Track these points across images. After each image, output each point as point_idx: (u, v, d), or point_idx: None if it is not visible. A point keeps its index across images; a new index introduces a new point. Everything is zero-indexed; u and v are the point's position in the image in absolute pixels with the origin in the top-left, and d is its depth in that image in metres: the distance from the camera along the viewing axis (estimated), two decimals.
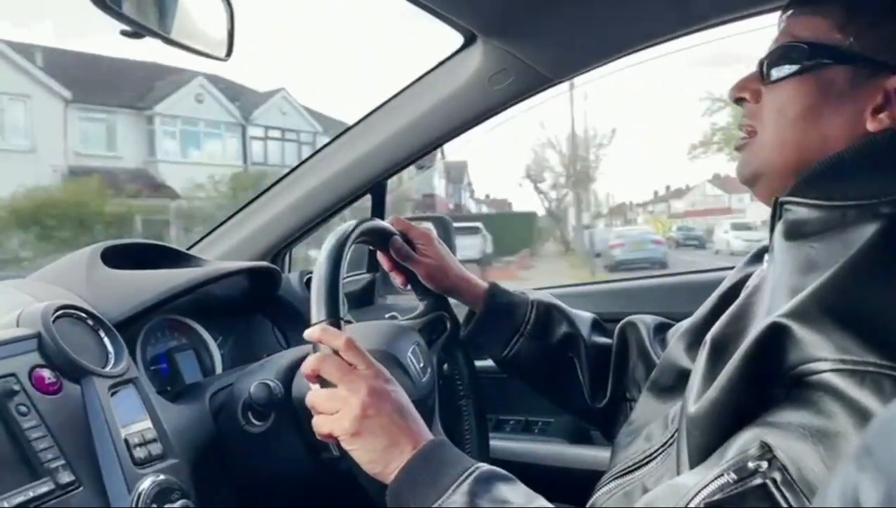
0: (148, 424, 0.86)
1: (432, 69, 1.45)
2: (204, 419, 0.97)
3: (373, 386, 0.78)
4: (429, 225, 1.64)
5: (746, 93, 0.82)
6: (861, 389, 0.55)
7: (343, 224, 0.95)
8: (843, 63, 0.73)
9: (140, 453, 0.82)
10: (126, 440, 0.82)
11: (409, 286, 1.17)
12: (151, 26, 0.80)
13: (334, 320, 0.83)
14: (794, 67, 0.76)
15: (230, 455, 0.96)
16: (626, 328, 1.15)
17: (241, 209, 1.63)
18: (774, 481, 0.57)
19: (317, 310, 0.83)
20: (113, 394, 0.85)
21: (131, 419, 0.85)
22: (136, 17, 0.76)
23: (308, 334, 0.82)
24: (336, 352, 0.80)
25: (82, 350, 0.86)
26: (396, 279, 1.18)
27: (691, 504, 0.60)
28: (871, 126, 0.72)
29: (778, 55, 0.78)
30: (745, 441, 0.60)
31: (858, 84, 0.73)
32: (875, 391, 0.55)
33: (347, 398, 0.77)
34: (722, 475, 0.59)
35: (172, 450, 0.87)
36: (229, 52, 0.95)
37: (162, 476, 0.82)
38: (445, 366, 1.18)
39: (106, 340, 0.90)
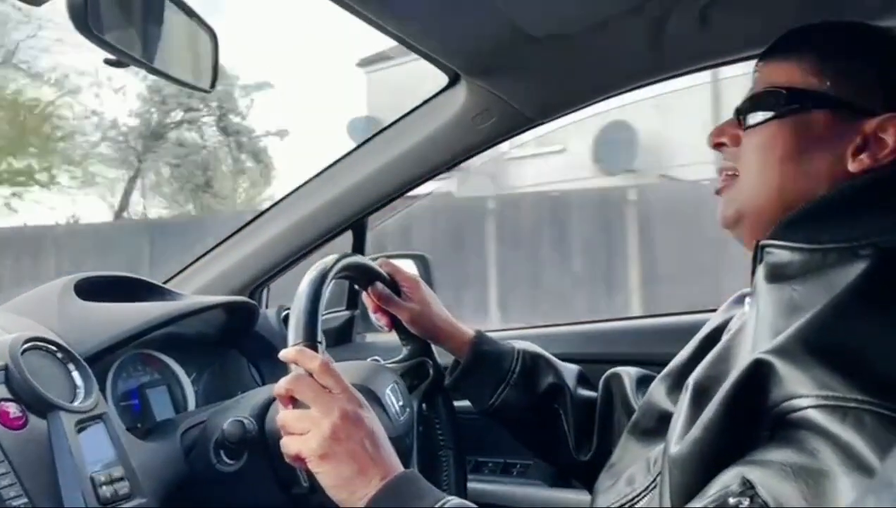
0: (116, 462, 0.84)
1: (416, 108, 1.46)
2: (175, 458, 0.94)
3: (346, 410, 0.77)
4: (409, 263, 1.64)
5: (725, 137, 0.83)
6: (843, 425, 0.55)
7: (328, 256, 0.94)
8: (821, 107, 0.75)
9: (106, 492, 0.79)
10: (92, 479, 0.79)
11: (391, 330, 1.16)
12: (135, 55, 0.80)
13: (311, 342, 0.82)
14: (772, 112, 0.77)
15: (201, 494, 0.93)
16: (610, 380, 1.14)
17: (220, 243, 1.61)
18: None
19: (294, 332, 0.82)
20: (80, 430, 0.82)
21: (98, 456, 0.82)
22: (119, 45, 0.76)
23: (283, 354, 0.81)
24: (311, 375, 0.79)
25: (50, 384, 0.83)
26: (380, 321, 1.16)
27: None
28: (852, 167, 0.73)
29: (756, 101, 0.79)
30: (728, 478, 0.60)
31: (837, 127, 0.74)
32: (857, 427, 0.54)
33: (319, 420, 0.76)
34: None
35: (141, 489, 0.84)
36: (213, 84, 0.95)
37: None
38: (426, 413, 1.15)
39: (75, 374, 0.88)
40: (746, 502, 0.57)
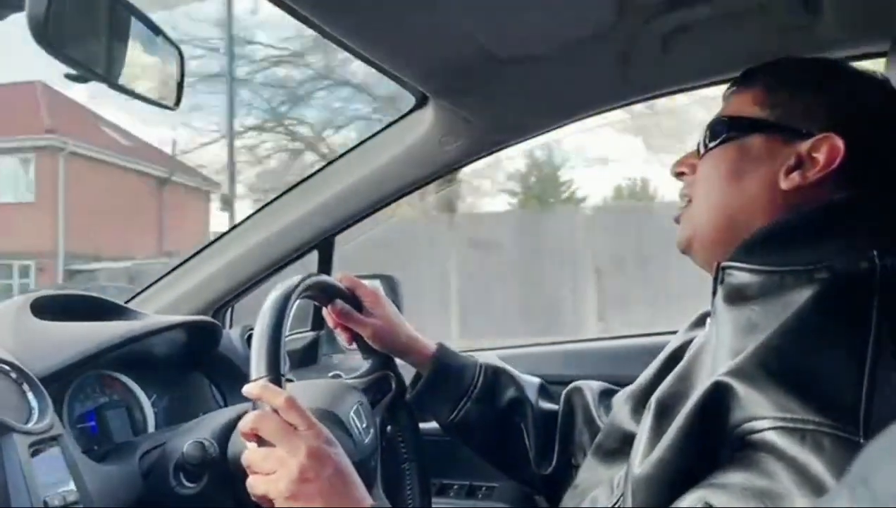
0: (71, 486, 0.81)
1: (384, 128, 1.46)
2: (132, 481, 0.92)
3: (313, 448, 0.75)
4: (376, 283, 1.63)
5: (685, 167, 0.90)
6: (802, 447, 0.56)
7: (288, 279, 0.93)
8: (759, 132, 0.80)
9: None
10: (45, 502, 0.76)
11: (353, 345, 1.15)
12: (99, 71, 0.79)
13: (275, 377, 0.80)
14: (719, 139, 0.83)
15: None
16: (572, 394, 1.15)
17: (183, 263, 1.58)
18: None
19: (257, 366, 0.81)
20: (34, 453, 0.79)
21: (53, 479, 0.79)
22: (83, 60, 0.75)
23: (247, 390, 0.80)
24: (276, 411, 0.77)
25: (3, 405, 0.81)
26: (341, 336, 1.15)
27: None
28: (783, 185, 0.77)
29: (709, 130, 0.85)
30: (690, 501, 0.61)
31: (774, 149, 0.79)
32: (815, 450, 0.56)
33: (285, 460, 0.74)
34: None
35: None
36: (178, 101, 0.94)
37: None
38: (389, 428, 1.15)
39: (30, 394, 0.85)
40: None
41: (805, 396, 0.58)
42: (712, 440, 0.62)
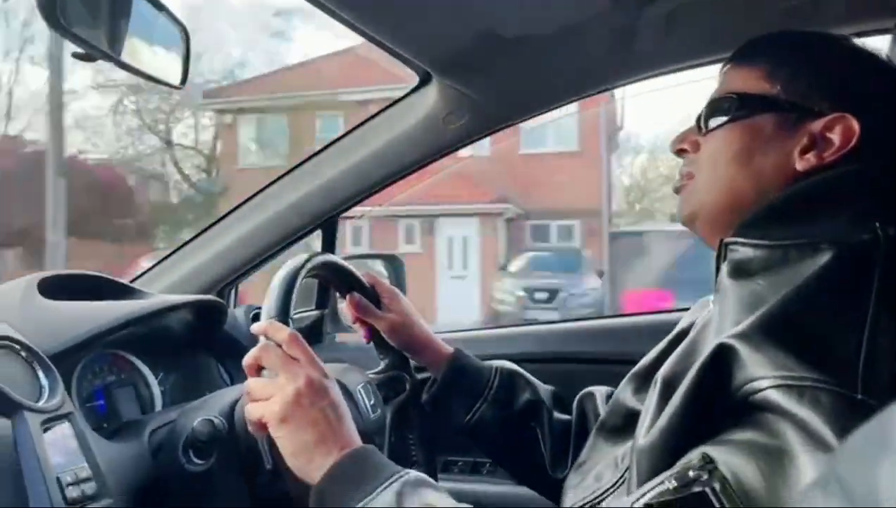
0: (82, 462, 0.82)
1: (387, 107, 1.46)
2: (142, 458, 0.93)
3: (311, 378, 0.78)
4: (378, 263, 1.64)
5: (686, 144, 0.87)
6: (800, 404, 0.57)
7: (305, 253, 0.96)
8: (770, 110, 0.78)
9: (73, 492, 0.78)
10: (58, 479, 0.77)
11: (370, 341, 1.15)
12: (102, 48, 0.78)
13: (282, 318, 0.84)
14: (726, 117, 0.81)
15: (169, 494, 0.92)
16: (583, 399, 1.14)
17: (188, 242, 1.59)
18: (714, 490, 0.58)
19: (266, 310, 0.85)
20: (46, 430, 0.80)
21: (65, 456, 0.80)
22: (87, 37, 0.74)
23: (255, 327, 0.83)
24: (280, 347, 0.80)
25: (14, 383, 0.81)
26: (359, 332, 1.15)
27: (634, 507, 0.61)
28: (799, 166, 0.76)
29: (712, 107, 0.83)
30: (690, 455, 0.62)
31: (785, 128, 0.77)
32: (813, 405, 0.57)
33: (283, 385, 0.77)
34: (663, 482, 0.61)
35: (108, 490, 0.82)
36: (184, 79, 0.94)
37: None
38: (398, 427, 1.14)
39: (40, 373, 0.86)
40: (706, 476, 0.59)
41: (805, 355, 0.59)
42: (715, 403, 0.63)
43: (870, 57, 0.81)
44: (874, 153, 0.75)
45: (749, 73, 0.80)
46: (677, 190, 0.87)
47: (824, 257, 0.68)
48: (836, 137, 0.75)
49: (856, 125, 0.74)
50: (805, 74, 0.78)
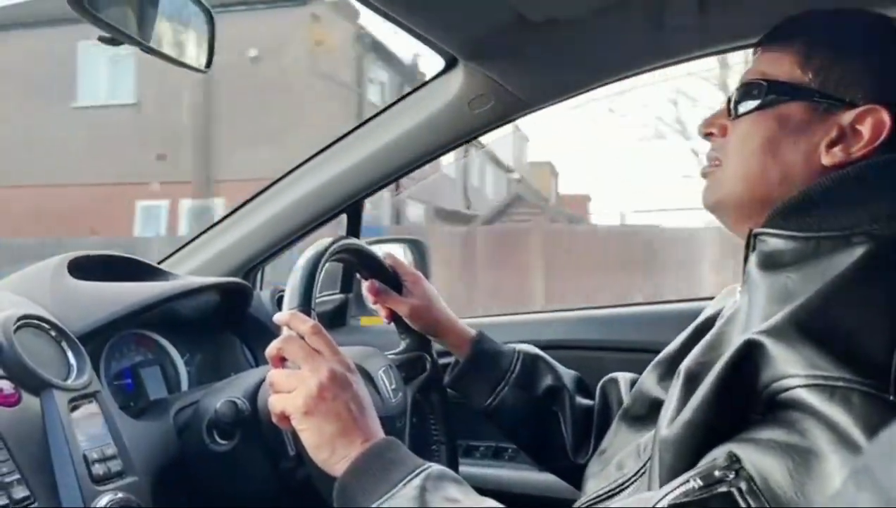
0: (108, 440, 0.84)
1: (413, 91, 1.45)
2: (167, 437, 0.95)
3: (334, 370, 0.78)
4: (399, 249, 1.64)
5: (714, 128, 0.85)
6: (830, 403, 0.56)
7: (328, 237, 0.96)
8: (800, 99, 0.76)
9: (99, 469, 0.80)
10: (85, 456, 0.79)
11: (391, 322, 1.16)
12: (131, 33, 0.79)
13: (304, 308, 0.84)
14: (755, 103, 0.78)
15: (193, 474, 0.94)
16: (606, 386, 1.14)
17: (214, 225, 1.60)
18: (740, 490, 0.57)
19: (289, 298, 0.85)
20: (73, 408, 0.82)
21: (91, 434, 0.82)
22: (115, 23, 0.75)
23: (277, 317, 0.83)
24: (303, 338, 0.80)
25: (43, 362, 0.83)
26: (381, 312, 1.16)
27: (657, 506, 0.60)
28: (825, 160, 0.74)
29: (742, 92, 0.80)
30: (715, 453, 0.61)
31: (814, 119, 0.75)
32: (844, 405, 0.56)
33: (306, 378, 0.77)
34: (688, 480, 0.60)
35: (133, 468, 0.84)
36: (209, 63, 0.95)
37: (120, 494, 0.80)
38: (420, 405, 1.15)
39: (69, 352, 0.88)
40: (732, 475, 0.58)
41: (836, 354, 0.58)
42: (742, 400, 0.62)
43: None
44: None
45: (782, 57, 0.78)
46: (704, 175, 0.85)
47: (857, 251, 0.67)
48: (865, 130, 0.72)
49: (887, 118, 0.72)
50: (838, 62, 0.75)
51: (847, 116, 0.73)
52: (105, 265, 1.18)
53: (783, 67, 0.77)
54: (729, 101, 0.83)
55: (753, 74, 0.80)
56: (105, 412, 0.86)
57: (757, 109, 0.78)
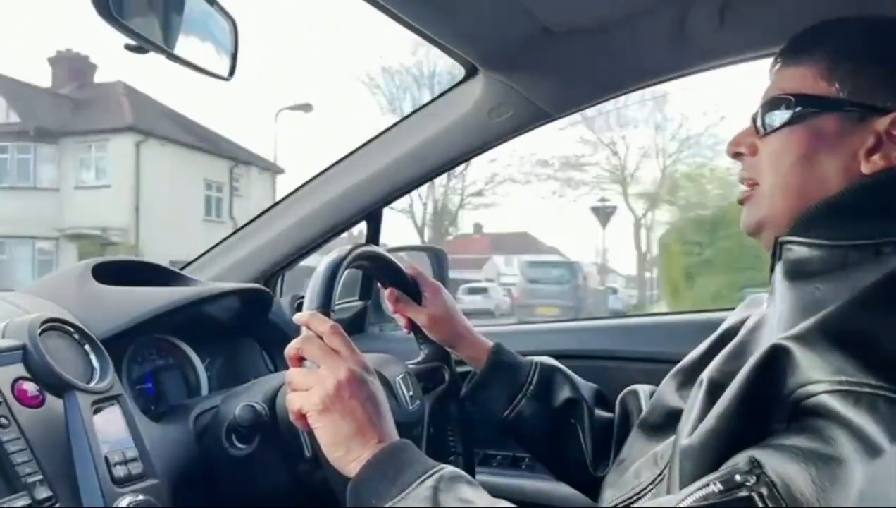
0: (130, 442, 0.85)
1: (433, 99, 1.46)
2: (187, 441, 0.96)
3: (352, 371, 0.78)
4: (421, 255, 1.64)
5: (743, 148, 0.83)
6: (857, 410, 0.55)
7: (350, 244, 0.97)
8: (831, 110, 0.75)
9: (120, 471, 0.81)
10: (106, 458, 0.80)
11: (410, 332, 1.16)
12: (156, 41, 0.80)
13: (324, 309, 0.85)
14: (785, 119, 0.77)
15: (212, 477, 0.94)
16: (626, 397, 1.13)
17: (236, 231, 1.62)
18: (761, 495, 0.56)
19: (309, 300, 0.86)
20: (96, 411, 0.83)
21: (113, 436, 0.83)
22: (141, 31, 0.76)
23: (297, 317, 0.84)
24: (321, 338, 0.81)
25: (67, 365, 0.85)
26: (400, 321, 1.16)
27: None
28: (865, 169, 0.73)
29: (768, 108, 0.79)
30: (737, 458, 0.60)
31: (849, 129, 0.74)
32: (870, 412, 0.55)
33: (324, 377, 0.78)
34: (708, 484, 0.59)
35: (153, 470, 0.85)
36: (232, 72, 0.96)
37: (141, 497, 0.80)
38: (439, 416, 1.14)
39: (92, 355, 0.89)
40: (753, 480, 0.57)
41: (862, 360, 0.57)
42: (767, 406, 0.61)
43: None
44: None
45: (806, 70, 0.77)
46: (742, 201, 0.84)
47: (887, 261, 0.66)
48: None
49: None
50: (867, 69, 0.74)
51: (883, 123, 0.72)
52: (129, 271, 1.19)
53: (807, 80, 0.76)
54: (754, 118, 0.82)
55: (778, 89, 0.79)
56: (126, 415, 0.87)
57: (787, 124, 0.77)
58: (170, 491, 0.87)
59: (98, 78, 21.24)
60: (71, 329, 0.90)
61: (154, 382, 1.12)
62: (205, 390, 1.19)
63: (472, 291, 19.55)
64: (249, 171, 21.49)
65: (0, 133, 18.77)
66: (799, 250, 0.73)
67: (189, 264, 1.59)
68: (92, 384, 0.85)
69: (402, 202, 22.99)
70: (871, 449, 0.54)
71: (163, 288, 1.17)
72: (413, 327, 1.15)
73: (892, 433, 0.53)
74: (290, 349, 0.82)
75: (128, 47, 0.77)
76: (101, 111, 19.16)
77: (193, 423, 0.98)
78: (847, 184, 0.74)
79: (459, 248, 27.77)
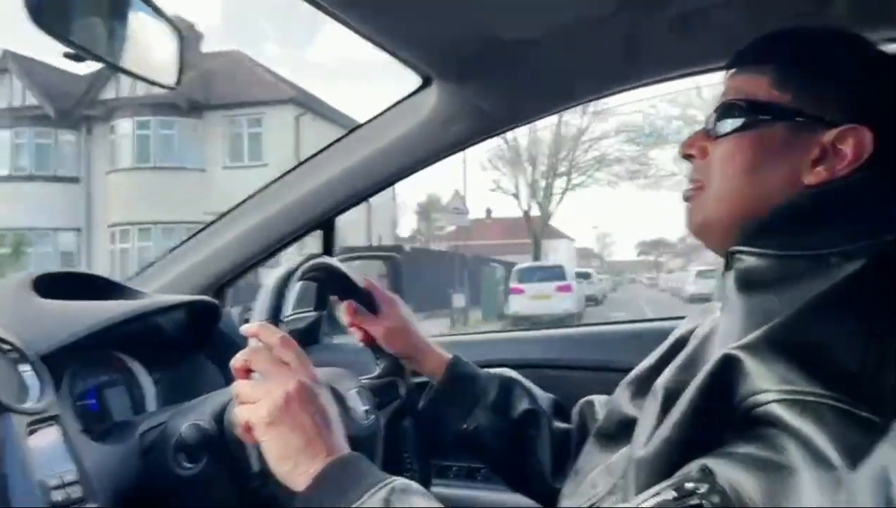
0: (69, 465, 0.81)
1: (388, 108, 1.45)
2: (132, 461, 0.92)
3: (302, 383, 0.77)
4: (370, 264, 1.63)
5: (694, 149, 0.84)
6: (803, 419, 0.56)
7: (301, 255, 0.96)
8: (781, 119, 0.76)
9: (57, 496, 0.77)
10: (42, 483, 0.77)
11: (366, 345, 1.14)
12: (100, 53, 0.78)
13: (273, 320, 0.84)
14: (736, 124, 0.78)
15: (158, 498, 0.91)
16: (583, 408, 1.13)
17: (185, 241, 1.58)
18: (713, 503, 0.57)
19: (258, 311, 0.85)
20: (32, 432, 0.79)
21: (50, 459, 0.80)
22: (83, 42, 0.73)
23: (245, 328, 0.82)
24: (271, 349, 0.79)
25: (1, 384, 0.81)
26: (356, 335, 1.14)
27: None
28: (808, 179, 0.74)
29: (721, 113, 0.80)
30: (689, 467, 0.61)
31: (796, 139, 0.75)
32: (816, 421, 0.56)
33: (272, 390, 0.76)
34: (661, 493, 0.60)
35: (94, 494, 0.82)
36: (178, 80, 0.94)
37: None
38: (392, 430, 1.13)
39: (27, 373, 0.85)
40: (704, 488, 0.58)
41: (810, 370, 0.59)
42: (719, 415, 0.62)
43: (885, 60, 0.78)
44: (887, 164, 0.73)
45: (759, 78, 0.78)
46: (687, 198, 0.85)
47: (834, 271, 0.67)
48: (847, 149, 0.72)
49: (869, 137, 0.72)
50: (818, 80, 0.75)
51: (829, 136, 0.73)
52: (71, 284, 1.15)
53: (760, 88, 0.77)
54: (707, 121, 0.83)
55: (731, 95, 0.80)
56: (66, 436, 0.83)
57: (738, 130, 0.78)
58: None
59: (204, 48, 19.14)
60: (7, 347, 0.86)
61: (98, 398, 1.08)
62: (152, 405, 1.15)
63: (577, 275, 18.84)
64: None
65: (141, 105, 17.07)
66: (749, 260, 0.74)
67: (135, 275, 1.55)
68: (28, 405, 0.82)
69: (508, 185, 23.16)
70: (817, 458, 0.55)
71: (106, 301, 1.13)
72: (369, 339, 1.13)
73: (838, 442, 0.54)
74: (237, 360, 0.80)
75: (67, 56, 0.75)
76: (241, 83, 17.44)
77: (139, 441, 0.95)
78: (790, 193, 0.75)
79: (475, 235, 27.39)
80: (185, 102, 17.01)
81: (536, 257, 23.74)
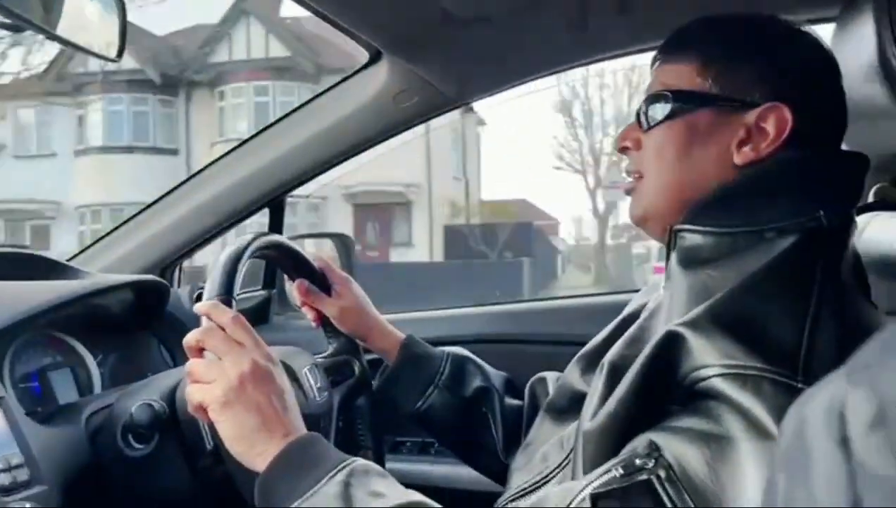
0: (14, 448, 0.79)
1: (337, 84, 1.43)
2: (79, 443, 0.90)
3: (257, 363, 0.76)
4: (327, 242, 1.62)
5: (628, 142, 0.86)
6: (743, 391, 0.59)
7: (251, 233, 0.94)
8: (705, 105, 0.78)
9: (4, 479, 0.75)
10: None
11: (318, 325, 1.13)
12: (35, 21, 0.75)
13: (226, 297, 0.82)
14: (664, 113, 0.80)
15: (107, 480, 0.90)
16: (535, 384, 1.15)
17: (130, 219, 1.54)
18: (659, 478, 0.59)
19: (209, 287, 0.82)
20: None
21: None
22: (17, 8, 0.70)
23: (197, 307, 0.81)
24: (223, 329, 0.78)
25: None
26: (308, 314, 1.13)
27: (578, 497, 0.62)
28: (737, 159, 0.76)
29: (650, 103, 0.82)
30: (636, 443, 0.63)
31: (721, 123, 0.77)
32: (755, 393, 0.59)
33: (227, 369, 0.75)
34: (609, 470, 0.62)
35: (41, 476, 0.80)
36: (120, 53, 0.91)
37: (28, 505, 0.76)
38: (346, 409, 1.12)
39: None
40: (651, 463, 0.60)
41: (749, 344, 0.61)
42: (664, 391, 0.64)
43: (801, 39, 0.80)
44: (812, 141, 0.76)
45: (682, 67, 0.80)
46: (628, 191, 0.87)
47: (771, 246, 0.69)
48: (770, 127, 0.75)
49: (788, 114, 0.74)
50: (735, 65, 0.77)
51: (751, 116, 0.75)
52: (11, 263, 1.12)
53: (684, 76, 0.79)
54: (638, 113, 0.84)
55: (657, 85, 0.82)
56: (9, 419, 0.82)
57: (666, 119, 0.80)
58: (61, 498, 0.82)
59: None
60: None
61: (41, 381, 1.05)
62: (97, 388, 1.13)
63: None
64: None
65: (256, 69, 15.53)
66: (691, 238, 0.76)
67: (78, 254, 1.51)
68: None
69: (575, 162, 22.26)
70: (757, 430, 0.57)
71: (49, 282, 1.10)
72: (322, 319, 1.13)
73: (776, 415, 0.57)
74: (190, 339, 0.78)
75: (2, 25, 0.72)
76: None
77: (85, 424, 0.93)
78: (723, 175, 0.77)
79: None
80: (312, 65, 15.83)
81: None
